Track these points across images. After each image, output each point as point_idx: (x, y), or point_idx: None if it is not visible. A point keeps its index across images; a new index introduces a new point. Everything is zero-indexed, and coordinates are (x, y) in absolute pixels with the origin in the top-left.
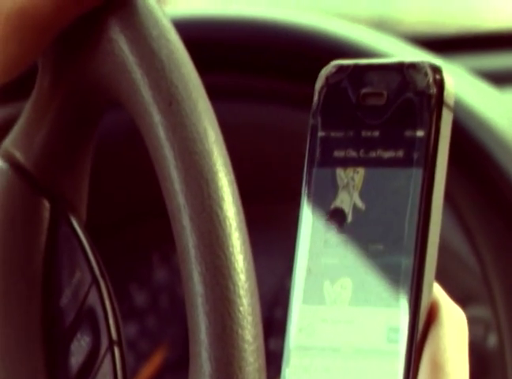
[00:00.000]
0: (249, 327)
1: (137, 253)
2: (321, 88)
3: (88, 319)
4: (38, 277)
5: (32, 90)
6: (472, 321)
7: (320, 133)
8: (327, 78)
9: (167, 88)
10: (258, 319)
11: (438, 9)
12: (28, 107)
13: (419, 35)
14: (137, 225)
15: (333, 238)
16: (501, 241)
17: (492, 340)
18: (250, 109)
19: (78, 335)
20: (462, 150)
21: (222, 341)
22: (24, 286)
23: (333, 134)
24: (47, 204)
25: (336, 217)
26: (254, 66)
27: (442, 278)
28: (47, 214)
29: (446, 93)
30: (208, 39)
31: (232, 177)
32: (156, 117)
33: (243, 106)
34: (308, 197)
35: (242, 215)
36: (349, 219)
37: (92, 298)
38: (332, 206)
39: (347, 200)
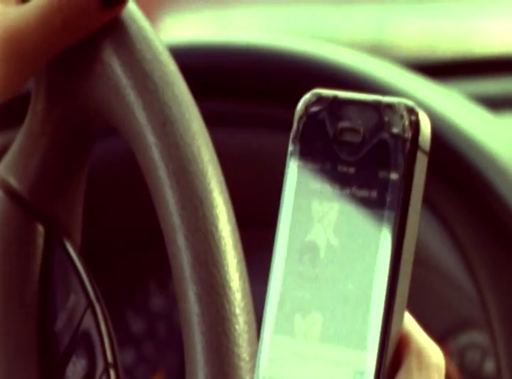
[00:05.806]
0: (245, 345)
1: (134, 280)
2: (301, 116)
3: (83, 342)
4: (33, 301)
5: (25, 116)
6: (468, 347)
7: (297, 162)
8: (307, 107)
9: (160, 109)
10: (255, 337)
11: (434, 33)
12: (21, 133)
13: (416, 60)
14: (134, 252)
15: (306, 271)
16: (498, 266)
17: (489, 366)
18: (247, 136)
19: (74, 359)
20: (458, 175)
21: (218, 360)
22: (20, 310)
23: (310, 165)
24: (41, 229)
25: (309, 250)
26: (248, 92)
27: (440, 303)
28: (41, 239)
29: (421, 137)
30: (204, 66)
31: (227, 196)
32: (150, 138)
33: (240, 133)
34: (284, 226)
35: (237, 234)
36: (322, 253)
37: (88, 321)
38: (306, 238)
39: (321, 235)
